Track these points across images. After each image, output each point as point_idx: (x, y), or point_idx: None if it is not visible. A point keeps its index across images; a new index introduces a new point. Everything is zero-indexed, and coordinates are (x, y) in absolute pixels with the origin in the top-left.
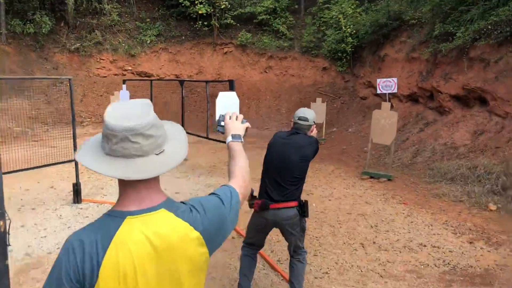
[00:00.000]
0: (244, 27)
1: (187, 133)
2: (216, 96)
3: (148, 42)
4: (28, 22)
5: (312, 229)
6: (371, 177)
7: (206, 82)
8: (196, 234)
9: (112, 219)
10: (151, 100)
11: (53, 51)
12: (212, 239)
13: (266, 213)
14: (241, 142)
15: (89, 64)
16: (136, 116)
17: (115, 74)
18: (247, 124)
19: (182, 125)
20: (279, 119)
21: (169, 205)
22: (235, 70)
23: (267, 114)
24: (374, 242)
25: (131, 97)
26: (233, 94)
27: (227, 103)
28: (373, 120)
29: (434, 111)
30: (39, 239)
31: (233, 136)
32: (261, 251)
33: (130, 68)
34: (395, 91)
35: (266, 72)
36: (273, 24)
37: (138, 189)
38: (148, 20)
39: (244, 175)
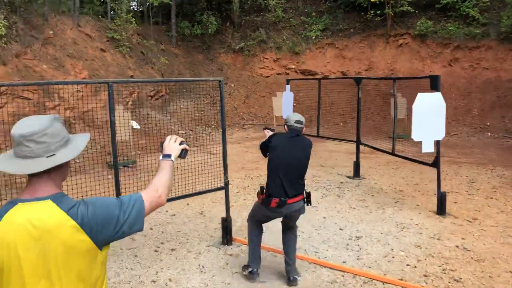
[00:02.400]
0: (424, 14)
1: (355, 142)
2: (388, 96)
3: (313, 37)
4: (196, 23)
5: None
6: None
7: (394, 79)
8: (72, 223)
9: (9, 205)
10: (319, 100)
11: (219, 51)
12: (97, 231)
13: (282, 208)
14: (171, 160)
15: (253, 64)
16: (30, 126)
17: (278, 74)
18: (184, 146)
19: (358, 132)
20: (469, 123)
21: (57, 198)
22: (412, 64)
23: (453, 116)
24: None
25: (294, 98)
26: (437, 96)
27: (430, 107)
28: None
29: None
30: None
31: (163, 155)
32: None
33: (293, 66)
34: None
35: (451, 66)
36: (461, 8)
37: (32, 183)
38: (314, 14)
39: (159, 188)
